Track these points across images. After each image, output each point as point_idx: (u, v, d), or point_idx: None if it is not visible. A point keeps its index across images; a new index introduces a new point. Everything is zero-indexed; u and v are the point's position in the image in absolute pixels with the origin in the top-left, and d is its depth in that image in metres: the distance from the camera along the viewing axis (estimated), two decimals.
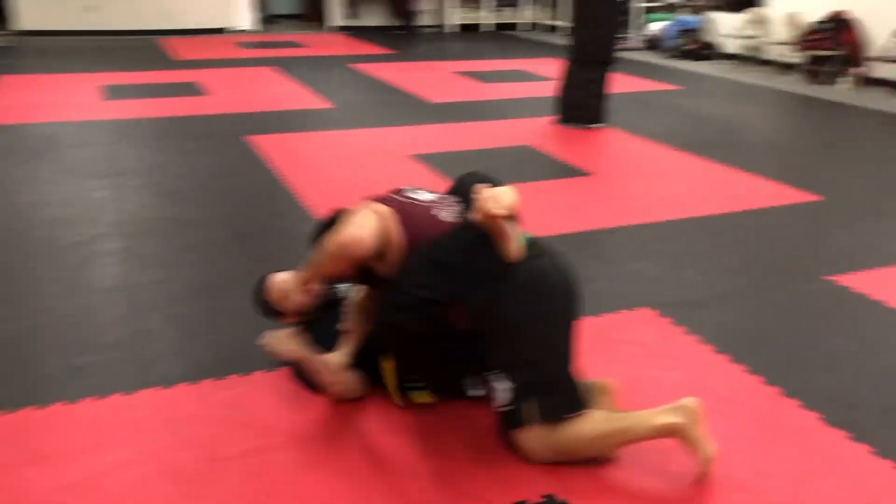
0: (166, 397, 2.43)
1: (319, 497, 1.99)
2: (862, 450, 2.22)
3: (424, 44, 11.97)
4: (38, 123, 6.09)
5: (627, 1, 11.38)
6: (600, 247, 3.82)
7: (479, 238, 2.12)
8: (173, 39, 11.36)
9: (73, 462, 2.11)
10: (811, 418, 2.37)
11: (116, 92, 7.38)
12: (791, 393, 2.51)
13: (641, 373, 2.63)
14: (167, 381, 2.51)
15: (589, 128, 6.25)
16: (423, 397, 2.36)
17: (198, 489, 2.01)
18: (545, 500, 1.99)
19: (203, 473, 2.07)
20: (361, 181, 4.78)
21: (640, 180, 4.95)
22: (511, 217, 2.11)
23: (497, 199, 2.07)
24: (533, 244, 2.20)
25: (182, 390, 2.47)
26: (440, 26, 13.71)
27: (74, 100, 6.99)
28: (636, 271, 3.51)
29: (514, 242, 2.11)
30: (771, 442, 2.25)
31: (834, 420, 2.36)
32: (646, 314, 3.07)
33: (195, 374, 2.55)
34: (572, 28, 6.26)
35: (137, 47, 10.54)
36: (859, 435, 2.28)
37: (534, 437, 2.05)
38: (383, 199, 2.32)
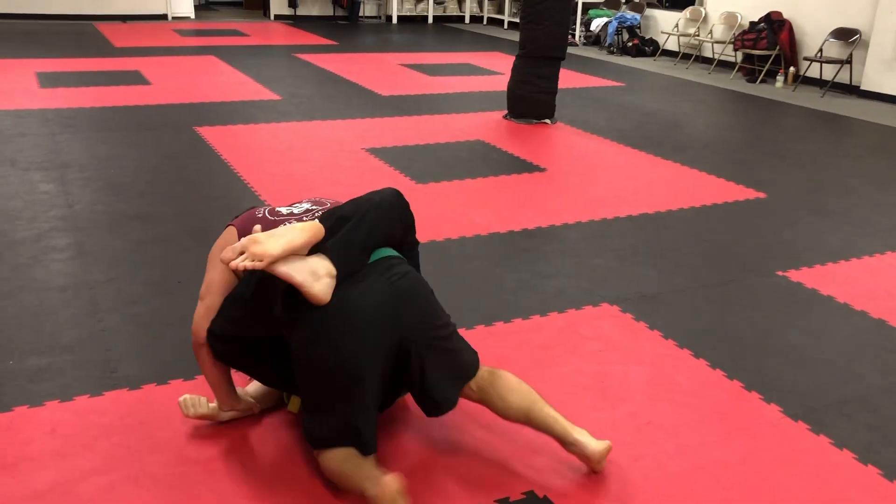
0: (134, 399, 2.38)
1: (292, 498, 1.99)
2: (822, 441, 2.32)
3: (368, 35, 11.89)
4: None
5: None
6: (561, 242, 3.87)
7: (266, 277, 1.95)
8: (110, 25, 11.02)
9: (44, 469, 2.05)
10: (772, 411, 2.47)
11: (54, 79, 7.13)
12: (751, 386, 2.60)
13: (608, 368, 2.69)
14: (133, 383, 2.46)
15: (539, 123, 6.32)
16: (294, 406, 2.32)
17: (172, 494, 1.98)
18: (525, 496, 2.03)
19: (177, 477, 2.04)
20: (316, 174, 4.74)
21: (592, 176, 5.03)
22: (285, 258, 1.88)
23: (251, 245, 1.87)
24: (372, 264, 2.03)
25: (150, 391, 2.42)
26: (383, 17, 13.63)
27: (10, 87, 6.72)
28: (595, 266, 3.58)
29: (308, 284, 1.87)
30: (734, 434, 2.34)
31: (793, 413, 2.46)
32: (608, 310, 3.13)
33: (161, 374, 2.51)
34: (522, 23, 6.31)
35: (74, 33, 10.18)
36: (818, 427, 2.38)
37: (319, 459, 2.01)
38: (243, 216, 2.24)
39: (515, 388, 2.10)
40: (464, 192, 4.54)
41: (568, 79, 8.49)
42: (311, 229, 1.93)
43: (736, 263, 3.70)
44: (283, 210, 2.22)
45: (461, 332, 2.76)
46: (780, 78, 8.80)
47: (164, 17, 12.02)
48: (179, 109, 6.24)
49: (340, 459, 1.94)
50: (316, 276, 1.88)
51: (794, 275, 3.56)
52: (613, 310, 3.14)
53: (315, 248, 1.95)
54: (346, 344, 1.91)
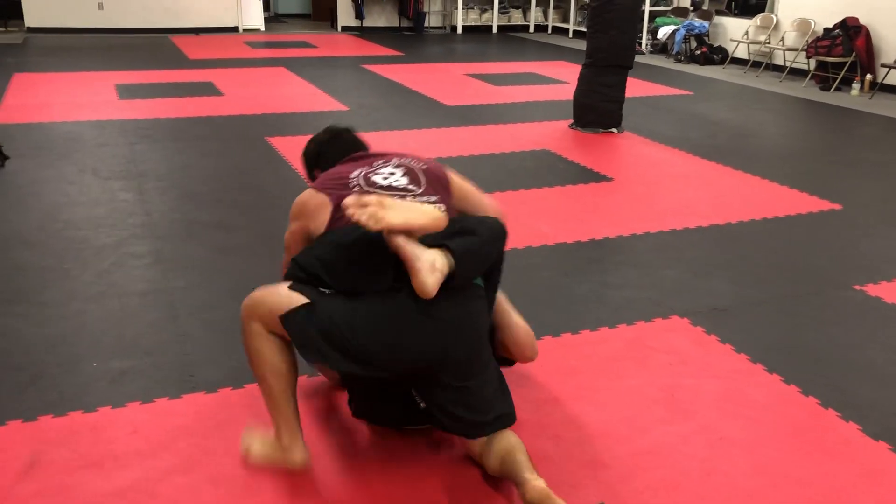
0: (212, 402, 2.45)
1: (369, 498, 2.02)
2: None
3: (433, 45, 12.00)
4: (59, 123, 6.10)
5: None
6: (630, 253, 3.84)
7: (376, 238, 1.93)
8: (185, 38, 11.37)
9: (125, 467, 2.13)
10: (850, 429, 2.40)
11: (132, 91, 7.39)
12: (828, 403, 2.54)
13: (678, 381, 2.66)
14: (211, 386, 2.53)
15: (606, 132, 6.27)
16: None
17: (248, 495, 2.03)
18: None
19: (253, 480, 2.09)
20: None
21: (660, 186, 4.97)
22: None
23: (377, 205, 1.85)
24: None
25: (226, 395, 2.49)
26: (447, 27, 13.73)
27: (92, 99, 7.00)
28: (666, 278, 3.54)
29: (425, 272, 1.83)
30: (810, 452, 2.28)
31: (873, 431, 2.38)
32: (678, 322, 3.10)
33: (237, 379, 2.57)
34: (589, 32, 6.29)
35: (151, 46, 10.55)
36: None
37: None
38: (335, 184, 2.22)
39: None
40: (529, 202, 4.54)
41: (635, 87, 8.40)
42: (433, 217, 1.94)
43: (811, 276, 3.61)
44: (380, 180, 2.21)
45: None
46: (855, 86, 8.54)
47: (235, 29, 12.34)
48: (251, 120, 6.40)
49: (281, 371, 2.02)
50: (433, 269, 1.86)
51: (872, 289, 3.45)
52: (684, 322, 3.09)
53: (430, 239, 1.93)
54: (398, 340, 1.91)
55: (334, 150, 2.50)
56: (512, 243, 3.90)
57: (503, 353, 2.44)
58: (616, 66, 6.19)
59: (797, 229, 4.23)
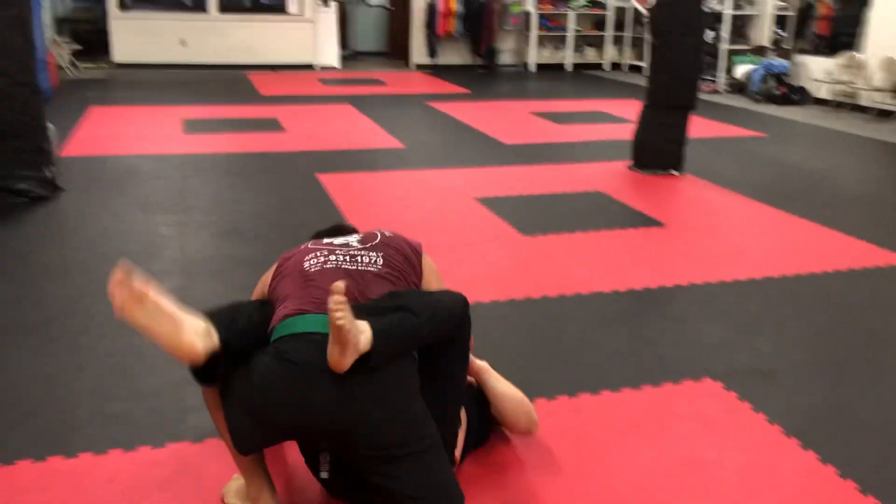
0: (196, 452, 2.36)
1: None
2: None
3: (504, 83, 11.93)
4: (119, 156, 6.25)
5: (715, 42, 11.08)
6: (670, 305, 3.60)
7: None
8: (261, 74, 11.64)
9: None
10: None
11: (197, 126, 7.55)
12: (868, 489, 2.26)
13: (699, 454, 2.42)
14: (198, 436, 2.44)
15: (665, 174, 6.02)
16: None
17: None
18: None
19: None
20: (421, 222, 4.71)
21: (715, 234, 4.70)
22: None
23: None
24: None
25: (212, 445, 2.39)
26: (521, 65, 13.66)
27: (157, 132, 7.16)
28: (704, 334, 3.29)
29: (336, 352, 1.78)
30: None
31: None
32: (710, 386, 2.85)
33: None
34: (651, 71, 6.08)
35: (226, 81, 10.82)
36: None
37: None
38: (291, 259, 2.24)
39: None
40: (572, 247, 4.34)
41: (704, 128, 8.11)
42: (185, 343, 1.84)
43: (866, 340, 3.29)
44: (333, 241, 2.25)
45: (541, 402, 2.59)
46: None
47: (310, 66, 12.59)
48: (306, 156, 6.42)
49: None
50: (354, 348, 1.79)
51: None
52: (716, 386, 2.84)
53: (361, 312, 1.86)
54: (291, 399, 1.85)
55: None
56: (544, 290, 3.74)
57: (501, 426, 2.31)
58: (677, 107, 5.95)
59: (860, 285, 3.90)
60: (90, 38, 12.15)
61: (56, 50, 10.79)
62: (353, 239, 2.25)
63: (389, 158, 6.44)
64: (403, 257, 2.20)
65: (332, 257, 2.12)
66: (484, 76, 12.54)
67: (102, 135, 7.04)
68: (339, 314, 1.70)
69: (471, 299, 3.57)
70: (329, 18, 12.83)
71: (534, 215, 4.93)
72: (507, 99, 10.03)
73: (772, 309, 3.57)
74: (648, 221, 4.84)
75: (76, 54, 11.75)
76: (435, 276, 2.30)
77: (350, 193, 5.33)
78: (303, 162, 6.21)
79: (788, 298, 3.70)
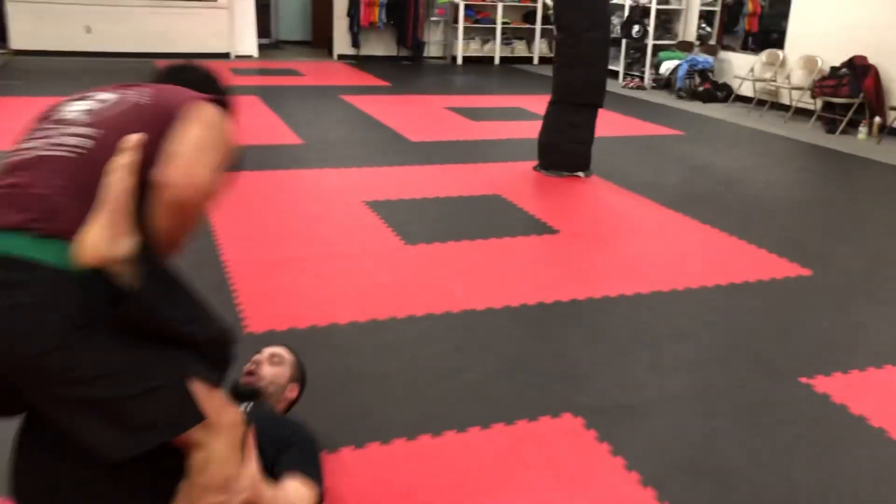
0: None
1: None
2: None
3: (427, 76, 11.58)
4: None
5: (641, 37, 10.90)
6: (545, 325, 3.30)
7: None
8: (170, 63, 11.06)
9: None
10: None
11: None
12: None
13: None
14: None
15: (571, 176, 5.74)
16: None
17: None
18: None
19: None
20: (293, 228, 4.34)
21: (610, 242, 4.43)
22: None
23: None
24: None
25: None
26: (448, 58, 13.32)
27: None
28: (575, 359, 2.99)
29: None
30: None
31: None
32: (569, 423, 2.54)
33: None
34: (555, 67, 5.79)
35: (131, 71, 10.22)
36: None
37: None
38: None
39: None
40: (454, 258, 4.01)
41: (622, 125, 7.89)
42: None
43: (753, 364, 3.03)
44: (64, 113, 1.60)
45: (373, 447, 2.26)
46: (862, 129, 7.93)
47: (227, 55, 12.04)
48: None
49: None
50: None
51: (821, 383, 2.87)
52: (576, 423, 2.54)
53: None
54: None
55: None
56: (410, 308, 3.39)
57: None
58: (583, 105, 5.67)
59: (755, 301, 3.65)
60: None
61: None
62: (96, 105, 1.61)
63: (283, 156, 6.03)
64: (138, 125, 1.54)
65: (41, 140, 1.53)
66: (408, 68, 12.17)
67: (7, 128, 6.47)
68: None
69: (327, 319, 3.27)
70: (247, 5, 12.29)
71: (422, 221, 4.59)
72: (426, 93, 9.67)
73: (654, 328, 3.30)
74: (542, 228, 4.54)
75: None
76: (194, 131, 1.56)
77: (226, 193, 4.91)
78: None
79: (675, 315, 3.44)
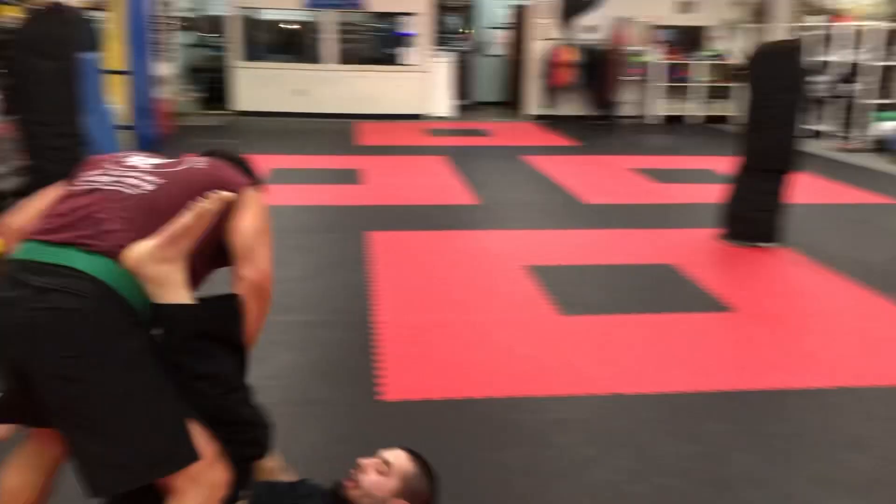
0: None
1: None
2: None
3: (618, 136, 11.33)
4: None
5: (850, 96, 10.03)
6: (698, 418, 2.96)
7: None
8: (369, 124, 11.65)
9: None
10: None
11: (280, 176, 7.48)
12: None
13: None
14: None
15: (757, 246, 5.27)
16: None
17: None
18: None
19: None
20: (452, 290, 4.30)
21: (792, 325, 3.97)
22: None
23: None
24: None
25: None
26: (642, 118, 12.98)
27: None
28: (727, 465, 2.64)
29: None
30: None
31: None
32: None
33: None
34: (744, 129, 5.40)
35: (332, 131, 10.88)
36: None
37: None
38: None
39: None
40: (610, 333, 3.76)
41: (824, 191, 7.22)
42: None
43: None
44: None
45: None
46: None
47: (422, 116, 12.50)
48: (368, 211, 6.16)
49: None
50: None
51: None
52: None
53: None
54: None
55: None
56: (548, 388, 3.19)
57: None
58: (772, 171, 5.22)
59: None
60: (218, 86, 12.66)
61: (179, 97, 11.28)
62: (159, 160, 1.88)
63: (456, 216, 6.06)
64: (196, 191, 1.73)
65: (104, 177, 1.74)
66: (599, 128, 11.98)
67: None
68: None
69: (463, 392, 3.14)
70: (443, 69, 12.75)
71: (581, 290, 4.38)
72: (613, 154, 9.42)
73: (829, 432, 2.86)
74: (714, 305, 4.16)
75: (202, 101, 12.29)
76: (252, 221, 1.84)
77: (394, 253, 4.98)
78: (360, 217, 5.94)
79: (856, 419, 2.97)
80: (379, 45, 12.96)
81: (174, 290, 1.59)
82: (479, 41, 15.03)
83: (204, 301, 1.65)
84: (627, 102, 13.03)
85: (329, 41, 12.38)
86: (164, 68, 10.85)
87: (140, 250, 1.56)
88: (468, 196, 6.79)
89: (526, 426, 2.88)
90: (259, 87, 12.17)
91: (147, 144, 8.40)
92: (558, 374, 3.31)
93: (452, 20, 14.79)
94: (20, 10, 4.64)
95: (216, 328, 1.65)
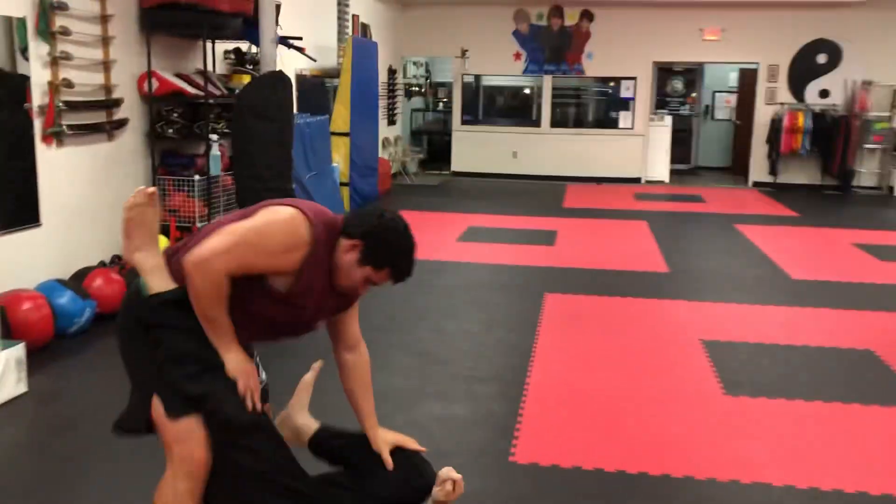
0: None
1: None
2: None
3: (847, 208, 10.42)
4: None
5: None
6: None
7: None
8: (580, 186, 11.68)
9: None
10: None
11: (475, 234, 7.73)
12: None
13: None
14: None
15: None
16: None
17: None
18: None
19: None
20: (611, 358, 4.18)
21: None
22: None
23: None
24: None
25: None
26: (884, 189, 11.83)
27: (434, 238, 7.43)
28: None
29: None
30: None
31: None
32: None
33: None
34: None
35: (539, 192, 11.03)
36: None
37: None
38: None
39: None
40: (774, 419, 3.47)
41: None
42: None
43: None
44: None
45: None
46: None
47: (637, 180, 12.31)
48: (553, 272, 6.18)
49: None
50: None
51: None
52: None
53: None
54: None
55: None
56: (688, 468, 3.00)
57: None
58: None
59: None
60: (439, 147, 13.36)
61: (401, 158, 12.05)
62: None
63: (641, 283, 5.90)
64: None
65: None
66: (829, 199, 11.11)
67: None
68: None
69: (597, 463, 3.03)
70: (662, 134, 12.53)
71: (756, 370, 4.08)
72: (837, 227, 8.66)
73: None
74: None
75: (423, 162, 13.01)
76: (240, 224, 2.02)
77: (567, 316, 4.97)
78: (546, 278, 5.97)
79: None
80: (596, 108, 13.03)
81: (146, 276, 2.04)
82: (703, 105, 14.59)
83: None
84: (866, 172, 11.98)
85: (546, 105, 12.65)
86: (389, 131, 11.70)
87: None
88: (659, 263, 6.58)
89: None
90: (476, 148, 12.67)
91: (364, 201, 9.05)
92: (699, 456, 3.10)
93: (676, 83, 14.52)
94: (250, 77, 5.28)
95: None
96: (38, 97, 4.39)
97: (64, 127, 4.55)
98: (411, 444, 2.25)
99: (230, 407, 1.94)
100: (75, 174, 4.76)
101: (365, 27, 10.41)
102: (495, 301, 5.38)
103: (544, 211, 9.26)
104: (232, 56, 6.40)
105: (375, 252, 2.02)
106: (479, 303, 5.31)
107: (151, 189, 2.12)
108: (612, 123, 12.60)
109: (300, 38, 6.81)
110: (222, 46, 6.23)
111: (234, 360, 1.98)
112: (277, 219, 1.96)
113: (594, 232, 8.04)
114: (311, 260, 1.96)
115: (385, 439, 2.21)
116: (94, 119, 4.84)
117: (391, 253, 2.06)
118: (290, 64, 7.35)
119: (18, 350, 3.58)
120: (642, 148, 12.41)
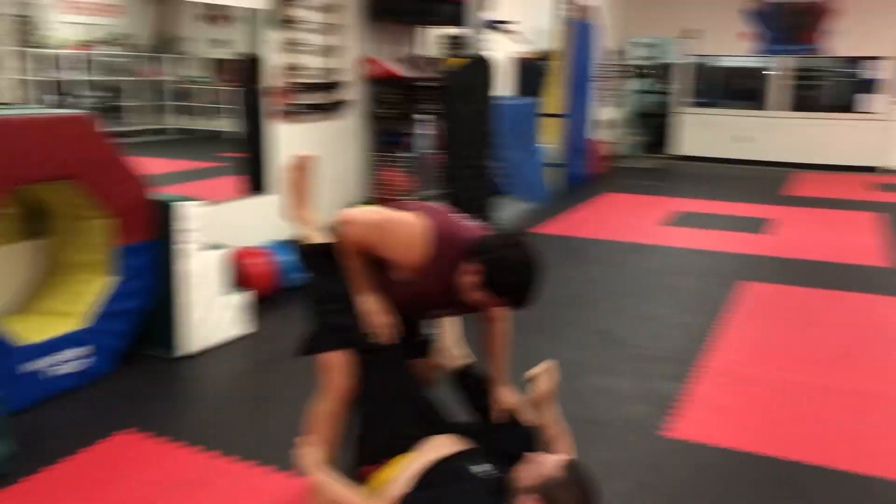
0: None
1: None
2: None
3: None
4: (592, 238, 6.72)
5: None
6: None
7: None
8: (807, 174, 10.96)
9: None
10: None
11: (683, 219, 7.59)
12: None
13: None
14: None
15: None
16: None
17: None
18: None
19: None
20: (801, 351, 4.05)
21: None
22: None
23: None
24: None
25: None
26: None
27: (640, 222, 7.40)
28: None
29: None
30: None
31: None
32: None
33: None
34: None
35: (763, 178, 10.51)
36: None
37: None
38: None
39: None
40: None
41: None
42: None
43: None
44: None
45: None
46: None
47: (877, 169, 11.29)
48: (758, 261, 5.97)
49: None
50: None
51: None
52: None
53: None
54: None
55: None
56: (850, 462, 2.90)
57: None
58: None
59: None
60: (661, 130, 13.07)
61: (621, 140, 11.98)
62: None
63: (855, 276, 5.56)
64: None
65: None
66: None
67: (591, 218, 7.60)
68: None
69: (751, 446, 3.02)
70: None
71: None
72: None
73: None
74: None
75: (644, 145, 12.79)
76: (377, 212, 2.35)
77: (763, 305, 4.86)
78: (747, 266, 5.80)
79: None
80: (836, 91, 12.08)
81: (302, 229, 2.50)
82: None
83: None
84: None
85: (779, 87, 11.95)
86: (609, 112, 11.67)
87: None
88: (879, 257, 6.12)
89: (808, 494, 2.71)
90: (701, 132, 12.27)
91: (576, 182, 9.19)
92: (853, 447, 2.99)
93: None
94: (460, 61, 5.63)
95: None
96: (274, 79, 5.03)
97: (296, 106, 5.18)
98: (524, 415, 2.40)
99: (360, 336, 2.28)
100: (302, 148, 5.37)
101: (585, 9, 10.45)
102: (686, 285, 5.34)
103: (764, 199, 8.84)
104: (446, 40, 6.82)
105: (493, 282, 2.11)
106: (670, 286, 5.31)
107: (307, 155, 2.55)
108: (847, 107, 11.63)
109: (511, 23, 7.08)
110: (437, 31, 6.66)
111: (366, 302, 2.31)
112: (406, 223, 2.24)
113: (813, 221, 7.59)
114: (426, 269, 2.22)
115: (503, 400, 2.41)
116: (321, 100, 5.45)
117: (509, 285, 2.12)
118: (505, 47, 7.66)
119: (249, 297, 4.23)
120: (887, 134, 11.35)
